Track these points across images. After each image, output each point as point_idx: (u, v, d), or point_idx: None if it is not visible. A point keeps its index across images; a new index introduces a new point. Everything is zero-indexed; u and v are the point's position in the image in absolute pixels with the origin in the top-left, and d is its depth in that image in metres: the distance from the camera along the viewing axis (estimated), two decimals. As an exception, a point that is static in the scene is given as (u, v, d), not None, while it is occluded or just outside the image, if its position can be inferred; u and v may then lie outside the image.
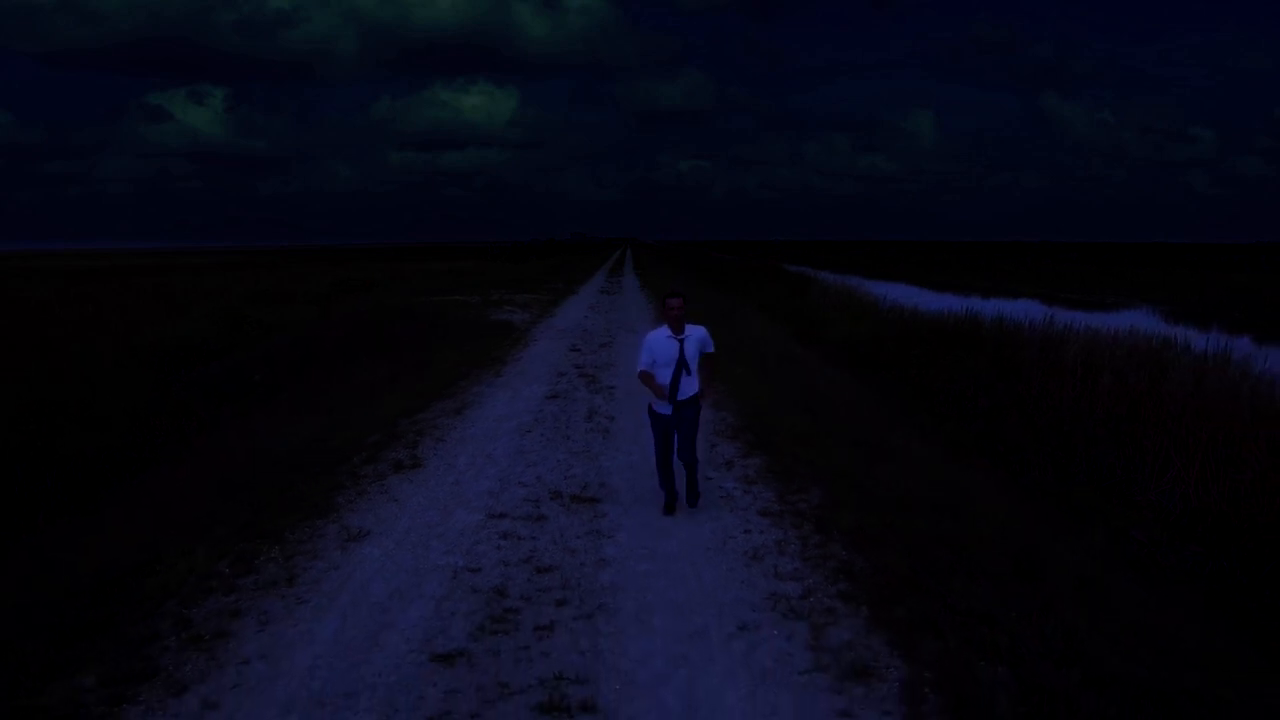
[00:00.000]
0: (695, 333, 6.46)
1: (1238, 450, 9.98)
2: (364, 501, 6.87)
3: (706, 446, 8.09)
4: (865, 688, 4.08)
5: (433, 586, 5.24)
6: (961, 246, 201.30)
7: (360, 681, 4.18)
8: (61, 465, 10.41)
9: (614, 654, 4.42)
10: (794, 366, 16.77)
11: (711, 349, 6.58)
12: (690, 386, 6.40)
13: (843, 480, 7.54)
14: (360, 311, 24.14)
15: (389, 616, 4.86)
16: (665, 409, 6.41)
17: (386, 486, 7.25)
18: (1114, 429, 11.60)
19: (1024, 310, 31.43)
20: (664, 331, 6.42)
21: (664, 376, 6.35)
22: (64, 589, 5.86)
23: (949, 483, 9.01)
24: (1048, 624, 4.99)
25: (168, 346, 20.01)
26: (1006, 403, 13.80)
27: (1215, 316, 33.65)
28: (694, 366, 6.40)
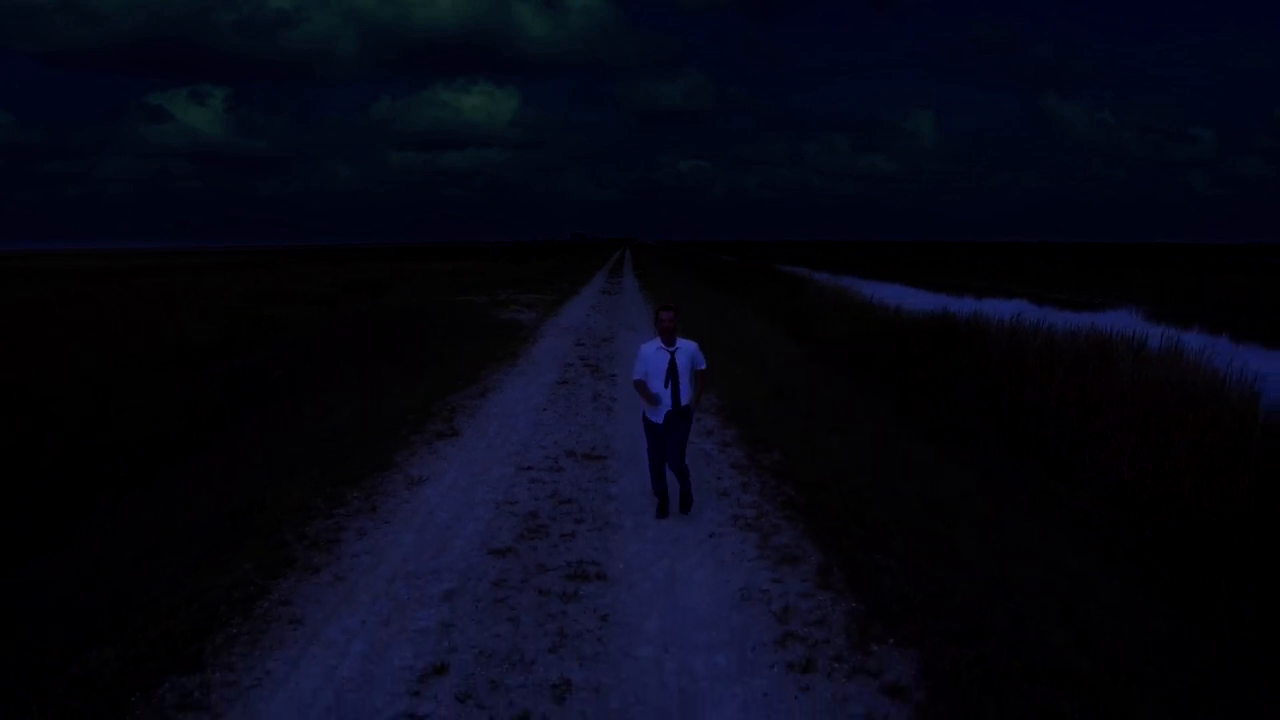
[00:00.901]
0: (686, 347, 6.82)
1: (1166, 432, 11.83)
2: (417, 459, 8.77)
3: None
4: (792, 567, 5.99)
5: (482, 512, 7.15)
6: (961, 247, 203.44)
7: (440, 566, 6.08)
8: (123, 450, 12.19)
9: (618, 550, 6.32)
10: (780, 360, 18.60)
11: (703, 365, 6.92)
12: (681, 396, 6.80)
13: (803, 447, 9.43)
14: (378, 310, 26.00)
15: (453, 531, 6.76)
16: (657, 417, 6.81)
17: (434, 449, 9.16)
18: (1063, 414, 13.45)
19: (1014, 310, 33.34)
20: (656, 343, 6.82)
21: (654, 387, 6.78)
22: (192, 522, 7.74)
23: (897, 454, 10.84)
24: (938, 538, 6.89)
25: (194, 345, 21.81)
26: (972, 393, 15.65)
27: (1198, 316, 35.48)
28: (685, 378, 6.77)
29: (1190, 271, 72.34)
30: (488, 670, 4.61)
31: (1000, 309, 32.33)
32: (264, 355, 21.40)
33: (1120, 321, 33.27)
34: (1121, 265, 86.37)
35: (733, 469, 8.32)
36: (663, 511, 7.04)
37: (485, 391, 12.41)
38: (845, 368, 19.68)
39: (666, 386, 6.74)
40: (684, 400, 6.81)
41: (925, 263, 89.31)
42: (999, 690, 4.36)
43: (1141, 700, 4.37)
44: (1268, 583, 7.21)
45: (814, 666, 4.62)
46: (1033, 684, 4.46)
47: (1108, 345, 18.70)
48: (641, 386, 6.86)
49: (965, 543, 7.02)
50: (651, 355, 6.80)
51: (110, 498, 10.87)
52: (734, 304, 33.42)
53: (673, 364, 6.75)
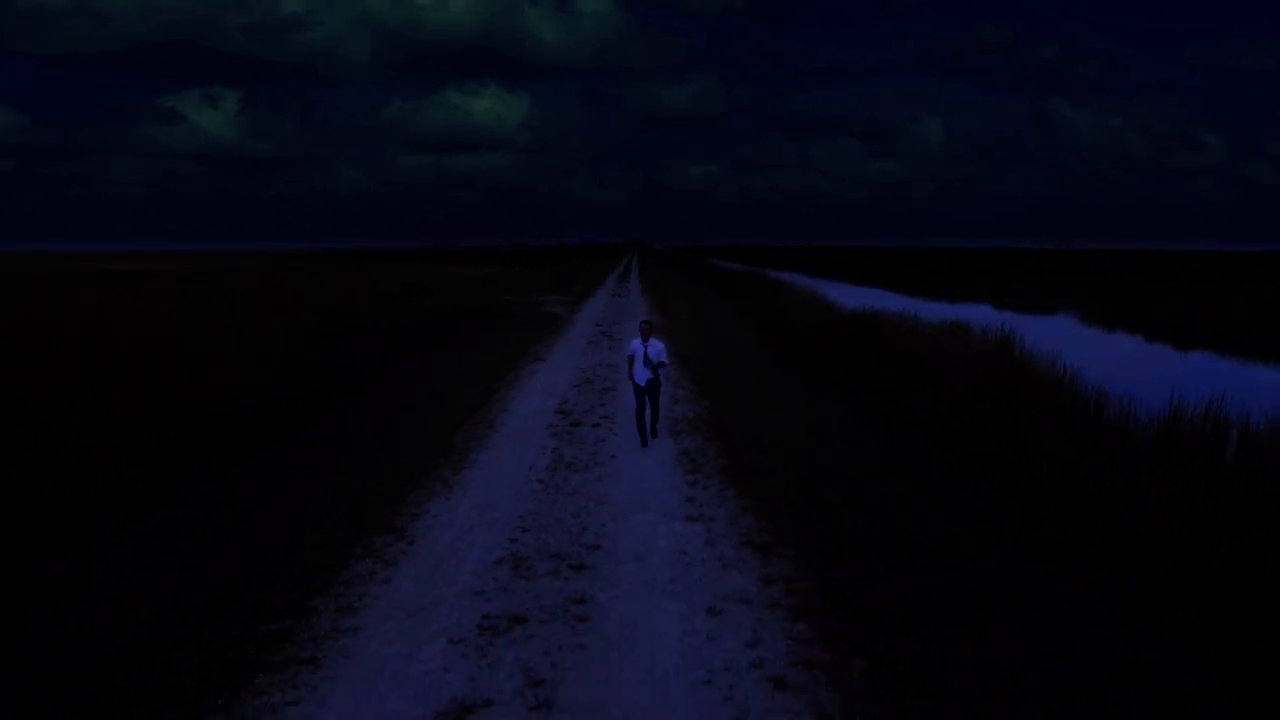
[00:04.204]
0: (655, 344, 12.58)
1: (957, 381, 22.57)
2: (524, 373, 19.77)
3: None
4: (688, 404, 16.96)
5: (564, 380, 18.18)
6: (964, 253, 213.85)
7: (556, 390, 17.06)
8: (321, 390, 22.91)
9: (620, 386, 17.33)
10: (736, 344, 29.46)
11: (665, 359, 12.69)
12: (649, 373, 12.55)
13: (720, 380, 20.34)
14: (447, 307, 37.09)
15: (554, 383, 17.78)
16: (641, 381, 12.55)
17: (532, 368, 20.20)
18: (903, 371, 24.22)
19: (974, 313, 44.27)
20: (639, 340, 12.69)
21: (637, 364, 12.51)
22: (424, 396, 18.73)
23: (778, 385, 21.65)
24: (773, 406, 17.82)
25: (309, 331, 32.59)
26: (861, 363, 26.40)
27: (1130, 320, 45.83)
28: (653, 361, 12.52)
29: (1178, 279, 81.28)
30: (578, 407, 15.56)
31: (962, 312, 43.90)
32: (366, 338, 32.14)
33: (1056, 323, 45.16)
34: (1109, 272, 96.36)
35: (675, 383, 19.32)
36: (644, 442, 12.82)
37: (550, 348, 23.49)
38: (787, 350, 30.42)
39: (645, 365, 12.66)
40: (652, 375, 12.76)
41: (921, 269, 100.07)
42: (755, 435, 15.27)
43: (803, 444, 15.30)
44: (963, 440, 17.90)
45: (681, 400, 15.60)
46: (770, 432, 15.34)
47: (954, 332, 29.71)
48: (630, 362, 12.89)
49: (788, 414, 17.86)
50: (637, 346, 12.82)
51: (344, 400, 21.71)
52: (720, 305, 44.35)
53: (646, 352, 12.71)
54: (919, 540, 8.81)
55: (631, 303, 41.56)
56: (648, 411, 12.75)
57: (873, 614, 6.84)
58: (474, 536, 8.62)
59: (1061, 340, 34.73)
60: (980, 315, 42.96)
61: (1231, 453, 14.61)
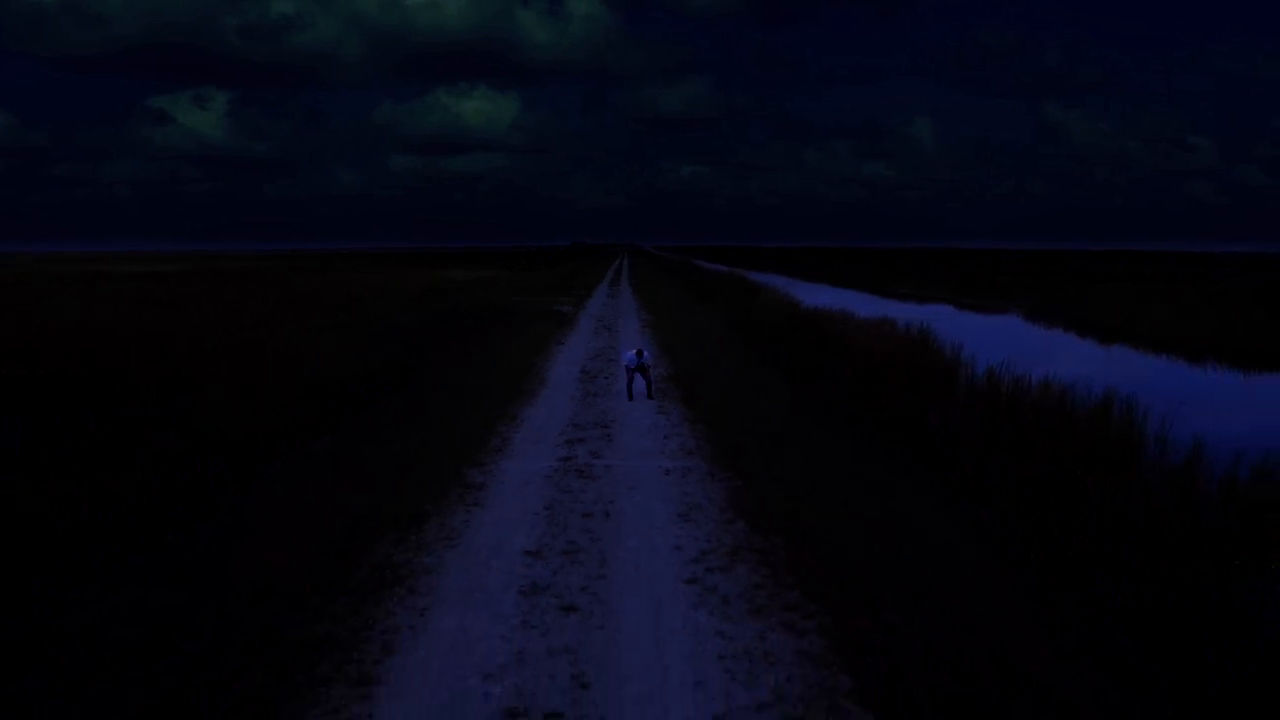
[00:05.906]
0: (645, 354, 19.84)
1: (871, 360, 32.05)
2: (550, 352, 29.17)
3: (648, 340, 30.29)
4: (661, 370, 26.40)
5: (579, 356, 27.63)
6: (955, 254, 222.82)
7: (577, 359, 26.49)
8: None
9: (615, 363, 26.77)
10: (710, 337, 38.85)
11: (650, 360, 20.39)
12: (643, 359, 19.92)
13: (686, 356, 29.77)
14: (467, 305, 46.37)
15: (573, 357, 27.20)
16: (631, 365, 20.20)
17: (559, 348, 29.61)
18: (838, 355, 33.68)
19: (933, 312, 53.71)
20: (631, 352, 19.78)
21: (630, 361, 19.85)
22: (478, 355, 28.14)
23: (733, 360, 31.08)
24: (740, 377, 27.30)
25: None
26: (803, 347, 35.84)
27: (1063, 318, 55.26)
28: (642, 361, 19.59)
29: (1156, 280, 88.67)
30: (593, 369, 24.93)
31: (922, 311, 53.54)
32: (407, 329, 41.39)
33: (1001, 321, 55.31)
34: (1082, 274, 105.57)
35: (655, 358, 28.74)
36: (630, 397, 20.88)
37: (564, 338, 32.88)
38: (748, 338, 39.82)
39: (636, 363, 19.98)
40: (645, 359, 20.09)
41: (905, 271, 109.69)
42: (706, 385, 24.67)
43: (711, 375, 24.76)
44: (861, 398, 27.36)
45: (658, 366, 25.06)
46: (716, 384, 24.72)
47: (882, 326, 39.30)
48: (627, 372, 19.88)
49: (734, 376, 27.33)
50: (630, 355, 19.82)
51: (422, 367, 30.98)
52: (700, 303, 53.72)
53: (638, 353, 19.97)
54: (789, 436, 18.09)
55: (625, 302, 50.93)
56: (639, 383, 21.10)
57: (742, 448, 16.18)
58: (553, 420, 18.02)
59: (992, 334, 44.64)
60: (934, 313, 52.42)
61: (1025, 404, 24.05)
